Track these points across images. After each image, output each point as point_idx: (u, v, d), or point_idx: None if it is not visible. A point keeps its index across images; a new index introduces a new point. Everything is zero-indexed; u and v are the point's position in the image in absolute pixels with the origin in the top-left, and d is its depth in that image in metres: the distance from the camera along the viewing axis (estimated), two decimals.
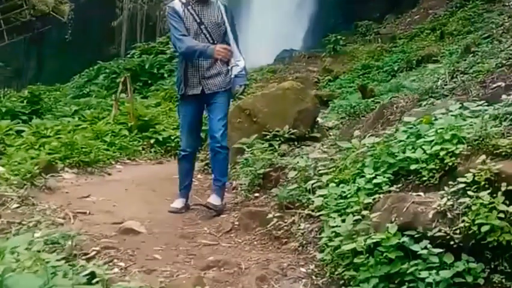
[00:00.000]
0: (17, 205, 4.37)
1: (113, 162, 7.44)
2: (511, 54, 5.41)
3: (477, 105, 3.47)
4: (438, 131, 3.29)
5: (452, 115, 3.40)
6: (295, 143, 7.44)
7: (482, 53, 6.88)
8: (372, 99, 8.39)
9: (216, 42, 4.86)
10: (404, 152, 3.44)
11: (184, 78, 4.88)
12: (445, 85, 5.67)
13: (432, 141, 3.29)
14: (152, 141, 8.82)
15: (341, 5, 29.48)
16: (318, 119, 8.37)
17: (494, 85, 5.04)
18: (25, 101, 13.73)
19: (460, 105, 3.51)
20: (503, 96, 3.60)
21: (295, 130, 7.43)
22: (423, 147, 3.33)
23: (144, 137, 8.91)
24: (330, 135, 7.87)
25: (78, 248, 3.33)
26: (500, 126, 3.20)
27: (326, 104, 13.84)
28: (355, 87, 14.64)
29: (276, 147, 7.16)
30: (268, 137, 7.27)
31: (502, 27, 9.97)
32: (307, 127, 7.74)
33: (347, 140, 6.78)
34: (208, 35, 4.84)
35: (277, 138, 7.30)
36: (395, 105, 6.50)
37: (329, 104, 13.33)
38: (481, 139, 3.12)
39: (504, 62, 5.36)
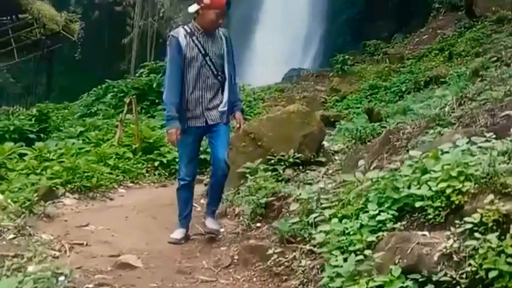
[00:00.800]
0: (13, 236, 4.27)
1: (116, 186, 7.35)
2: None
3: (485, 140, 3.34)
4: (445, 167, 3.17)
5: (459, 150, 3.28)
6: (300, 167, 7.35)
7: (491, 78, 6.78)
8: (378, 123, 8.27)
9: (218, 73, 4.83)
10: (409, 188, 3.32)
11: (186, 111, 4.78)
12: (452, 112, 5.56)
13: (438, 177, 3.17)
14: (156, 163, 8.73)
15: (349, 24, 29.62)
16: (324, 142, 8.27)
17: (503, 114, 4.92)
18: (33, 119, 13.82)
19: (467, 139, 3.39)
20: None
21: (300, 154, 7.34)
22: (429, 183, 3.21)
23: (148, 159, 8.82)
24: (335, 159, 7.76)
25: (71, 285, 3.22)
26: (509, 163, 3.07)
27: (333, 124, 13.75)
28: (362, 108, 14.57)
29: (281, 172, 7.07)
30: (272, 161, 7.19)
31: (511, 50, 9.90)
32: (313, 151, 7.64)
33: (352, 167, 6.71)
34: (212, 67, 4.79)
35: (282, 163, 7.21)
36: (401, 131, 6.39)
37: (335, 125, 13.24)
38: (488, 177, 2.99)
39: None
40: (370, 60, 19.79)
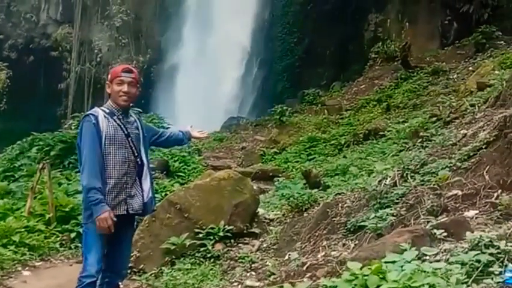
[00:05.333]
0: None
1: (19, 269, 6.39)
2: (466, 156, 4.85)
3: (438, 251, 2.75)
4: None
5: (407, 267, 2.66)
6: (232, 241, 6.71)
7: (433, 144, 6.37)
8: (316, 189, 7.71)
9: (138, 155, 4.33)
10: None
11: (106, 197, 4.15)
12: (394, 187, 5.03)
13: None
14: (73, 235, 7.79)
15: (288, 71, 29.63)
16: (259, 209, 7.62)
17: (450, 193, 4.45)
18: None
19: (416, 250, 2.78)
20: (468, 234, 2.90)
21: (231, 226, 6.74)
22: None
23: (64, 230, 7.88)
24: (270, 230, 7.11)
25: None
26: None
27: (271, 179, 13.20)
28: (301, 162, 14.07)
29: (210, 248, 6.39)
30: (201, 235, 6.56)
31: (448, 106, 9.68)
32: (246, 222, 7.01)
33: (288, 243, 6.07)
34: (134, 148, 4.30)
35: (212, 237, 6.60)
36: (340, 205, 5.85)
37: (273, 180, 12.71)
38: None
39: (459, 164, 4.79)
40: (309, 110, 19.50)
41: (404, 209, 4.46)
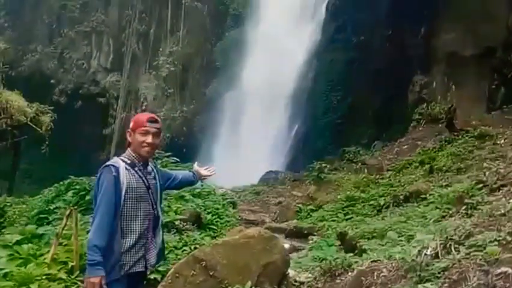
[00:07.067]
0: None
1: None
2: None
3: None
4: None
5: None
6: None
7: (480, 213, 5.90)
8: (351, 253, 7.27)
9: (156, 207, 4.19)
10: None
11: (126, 254, 4.01)
12: (437, 260, 4.59)
13: None
14: None
15: (330, 128, 29.43)
16: (289, 270, 7.20)
17: (499, 271, 3.98)
18: None
19: None
20: None
21: None
22: None
23: None
24: None
25: None
26: None
27: (306, 237, 12.84)
28: (338, 221, 13.58)
29: None
30: None
31: (495, 173, 9.15)
32: (274, 284, 6.58)
33: None
34: (153, 200, 4.16)
35: None
36: (375, 273, 5.40)
37: (308, 238, 12.32)
38: None
39: (509, 238, 4.33)
40: (348, 168, 19.09)
41: (446, 284, 4.02)
